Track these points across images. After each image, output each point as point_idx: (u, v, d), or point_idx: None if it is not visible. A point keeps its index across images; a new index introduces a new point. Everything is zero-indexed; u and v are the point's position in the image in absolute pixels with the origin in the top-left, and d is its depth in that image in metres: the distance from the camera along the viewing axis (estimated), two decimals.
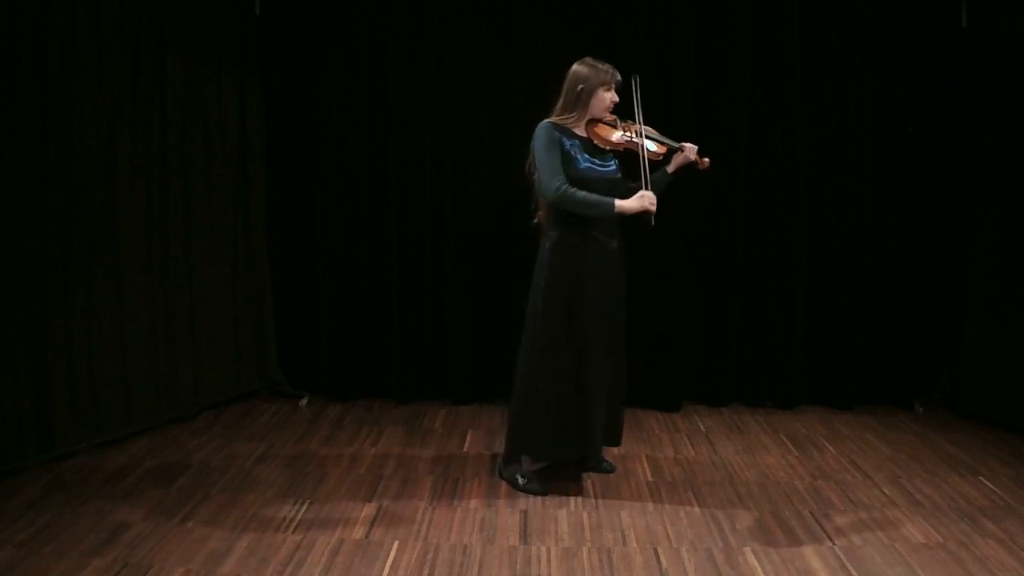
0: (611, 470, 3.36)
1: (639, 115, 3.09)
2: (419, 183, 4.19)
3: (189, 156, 3.92)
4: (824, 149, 4.13)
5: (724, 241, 4.18)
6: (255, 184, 4.28)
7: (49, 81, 3.26)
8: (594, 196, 2.97)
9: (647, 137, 3.12)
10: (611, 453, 3.53)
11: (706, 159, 3.21)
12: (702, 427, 3.98)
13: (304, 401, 4.28)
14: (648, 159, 3.05)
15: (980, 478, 3.31)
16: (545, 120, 3.06)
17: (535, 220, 3.17)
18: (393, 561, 2.61)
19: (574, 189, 2.94)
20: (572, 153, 3.01)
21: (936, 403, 4.24)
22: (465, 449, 3.65)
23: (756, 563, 2.61)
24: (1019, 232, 3.82)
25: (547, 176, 2.96)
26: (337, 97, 4.17)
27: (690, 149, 3.18)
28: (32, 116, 3.22)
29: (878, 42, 4.07)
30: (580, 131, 3.09)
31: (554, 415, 3.08)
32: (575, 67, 3.07)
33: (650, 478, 3.32)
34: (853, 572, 2.55)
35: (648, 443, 3.73)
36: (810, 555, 2.66)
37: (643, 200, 2.97)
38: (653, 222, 2.98)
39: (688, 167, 3.22)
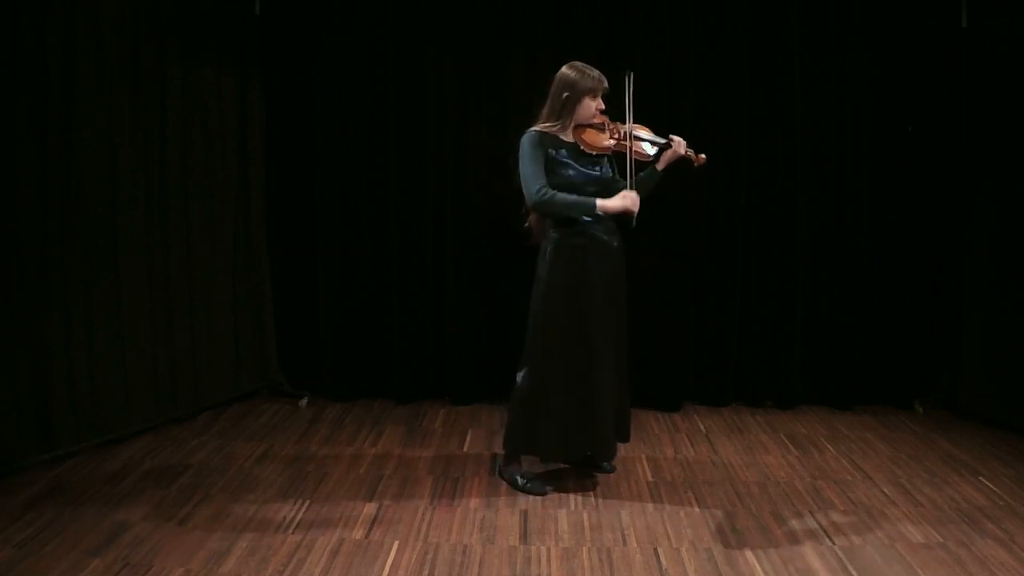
0: (611, 470, 3.35)
1: (630, 115, 3.03)
2: (419, 183, 4.19)
3: (189, 156, 3.91)
4: (824, 149, 4.13)
5: (724, 241, 4.17)
6: (255, 184, 4.27)
7: (49, 81, 3.26)
8: (573, 197, 2.95)
9: (637, 137, 3.07)
10: None
11: (702, 156, 3.15)
12: (702, 427, 3.98)
13: (304, 401, 4.28)
14: (638, 159, 3.02)
15: (980, 478, 3.31)
16: (531, 129, 3.04)
17: (526, 224, 3.15)
18: (393, 561, 2.61)
19: (553, 192, 2.93)
20: (560, 160, 2.99)
21: (936, 403, 4.24)
22: (465, 449, 3.65)
23: (756, 563, 2.61)
24: (1019, 232, 3.82)
25: (528, 181, 2.95)
26: (337, 97, 4.16)
27: (678, 143, 3.11)
28: (32, 116, 3.22)
29: (878, 42, 4.07)
30: (567, 136, 3.06)
31: (561, 416, 3.07)
32: (563, 71, 3.04)
33: (650, 478, 3.32)
34: (853, 572, 2.55)
35: (648, 443, 3.73)
36: (810, 555, 2.66)
37: (625, 200, 2.95)
38: (634, 223, 2.96)
39: (683, 164, 3.17)
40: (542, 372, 3.07)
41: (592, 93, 3.01)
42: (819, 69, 4.08)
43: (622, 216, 2.99)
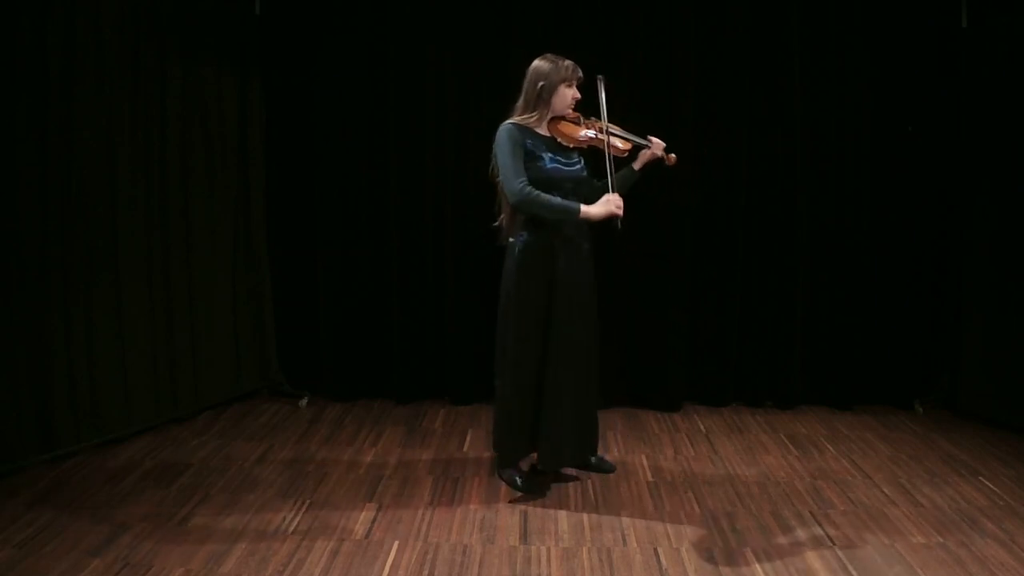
0: (611, 470, 3.35)
1: (604, 115, 3.03)
2: (419, 183, 4.19)
3: (189, 156, 3.91)
4: (824, 149, 4.13)
5: (724, 241, 4.17)
6: (255, 184, 4.27)
7: (49, 81, 3.26)
8: (558, 200, 2.92)
9: (612, 134, 3.05)
10: (611, 453, 3.54)
11: (672, 155, 3.15)
12: (702, 427, 3.98)
13: (304, 401, 4.28)
14: (613, 156, 3.01)
15: (980, 478, 3.31)
16: (506, 121, 3.01)
17: (497, 223, 3.12)
18: (393, 561, 2.61)
19: (538, 192, 2.90)
20: (536, 153, 2.96)
21: (936, 403, 4.24)
22: (465, 449, 3.65)
23: (756, 563, 2.61)
24: (1019, 233, 3.82)
25: (510, 178, 2.91)
26: (337, 97, 4.16)
27: (657, 145, 3.11)
28: (32, 116, 3.22)
29: (878, 42, 4.07)
30: (543, 130, 3.04)
31: (518, 419, 3.07)
32: (535, 63, 3.01)
33: (650, 478, 3.32)
34: (853, 572, 2.55)
35: (648, 443, 3.73)
36: (810, 555, 2.66)
37: (609, 205, 2.91)
38: (620, 226, 2.93)
39: (656, 164, 3.17)
40: (507, 376, 3.07)
41: (567, 81, 2.98)
42: (819, 69, 4.08)
43: (607, 221, 2.94)
